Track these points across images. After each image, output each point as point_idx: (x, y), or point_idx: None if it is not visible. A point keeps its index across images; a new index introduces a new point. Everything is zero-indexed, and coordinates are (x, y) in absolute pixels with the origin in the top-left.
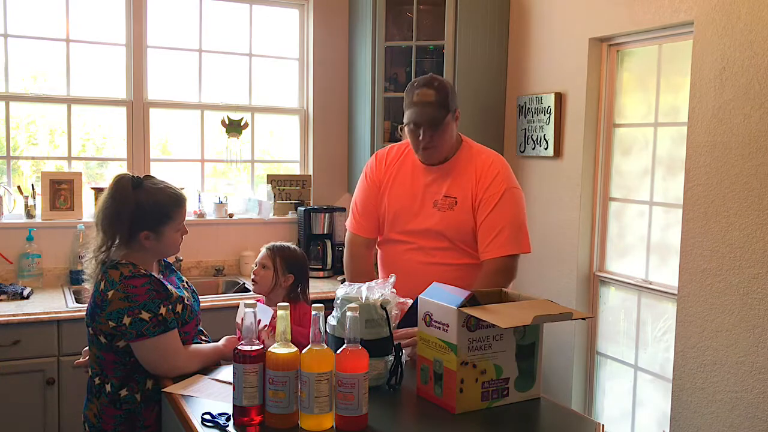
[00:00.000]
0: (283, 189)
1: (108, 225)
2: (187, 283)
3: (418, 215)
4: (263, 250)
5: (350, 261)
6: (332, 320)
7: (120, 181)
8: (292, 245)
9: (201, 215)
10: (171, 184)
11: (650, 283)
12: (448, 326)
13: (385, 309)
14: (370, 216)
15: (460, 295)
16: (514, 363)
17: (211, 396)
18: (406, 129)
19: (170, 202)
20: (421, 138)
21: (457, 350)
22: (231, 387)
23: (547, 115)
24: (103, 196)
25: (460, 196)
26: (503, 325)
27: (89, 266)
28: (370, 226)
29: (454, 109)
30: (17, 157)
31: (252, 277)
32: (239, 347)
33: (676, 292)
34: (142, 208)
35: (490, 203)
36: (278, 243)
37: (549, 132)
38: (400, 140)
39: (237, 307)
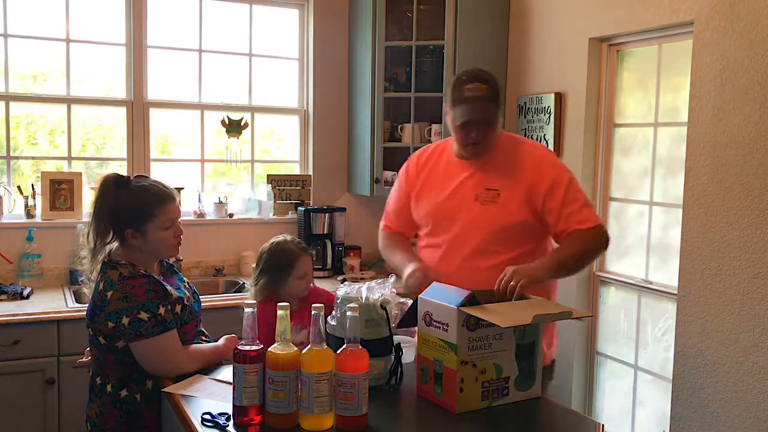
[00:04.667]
0: (283, 189)
1: (93, 223)
2: (188, 284)
3: (458, 212)
4: (306, 257)
5: (385, 240)
6: (332, 320)
7: (104, 180)
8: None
9: (201, 215)
10: (160, 183)
11: (650, 283)
12: (447, 326)
13: (385, 309)
14: (403, 218)
15: (459, 294)
16: (514, 362)
17: (211, 396)
18: (452, 125)
19: (152, 200)
20: (473, 134)
21: (457, 350)
22: (231, 387)
23: (547, 115)
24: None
25: (502, 188)
26: (503, 325)
27: (85, 265)
28: (404, 226)
29: (503, 103)
30: (17, 157)
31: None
32: (239, 347)
33: (676, 292)
34: (122, 206)
35: (559, 188)
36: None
37: (549, 132)
38: (401, 140)
39: (237, 307)
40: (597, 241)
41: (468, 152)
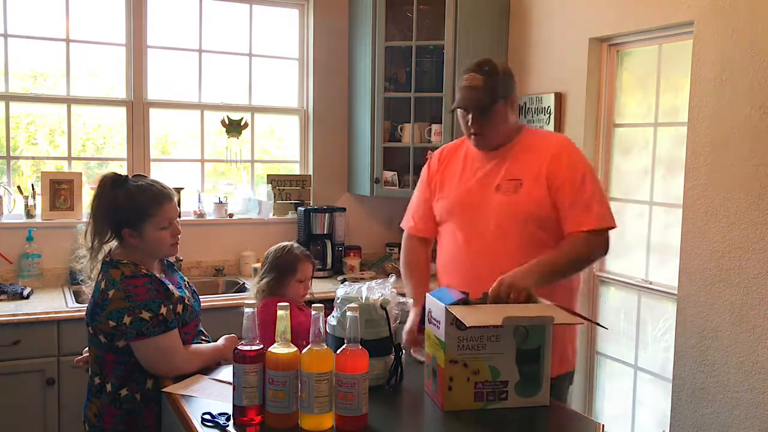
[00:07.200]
0: (283, 189)
1: (91, 222)
2: (188, 283)
3: (480, 202)
4: (308, 263)
5: (406, 256)
6: (332, 320)
7: (101, 180)
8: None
9: (201, 215)
10: (158, 183)
11: (650, 283)
12: (440, 323)
13: (385, 309)
14: (426, 217)
15: (455, 296)
16: (515, 366)
17: (211, 396)
18: (457, 113)
19: (149, 199)
20: (470, 123)
21: (446, 348)
22: (231, 387)
23: (547, 115)
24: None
25: (525, 178)
26: (468, 324)
27: (83, 263)
28: (427, 227)
29: (507, 96)
30: (17, 157)
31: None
32: (239, 347)
33: (676, 292)
34: (119, 206)
35: (574, 182)
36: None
37: None
38: (401, 140)
39: (237, 307)
40: (591, 246)
41: (472, 142)
